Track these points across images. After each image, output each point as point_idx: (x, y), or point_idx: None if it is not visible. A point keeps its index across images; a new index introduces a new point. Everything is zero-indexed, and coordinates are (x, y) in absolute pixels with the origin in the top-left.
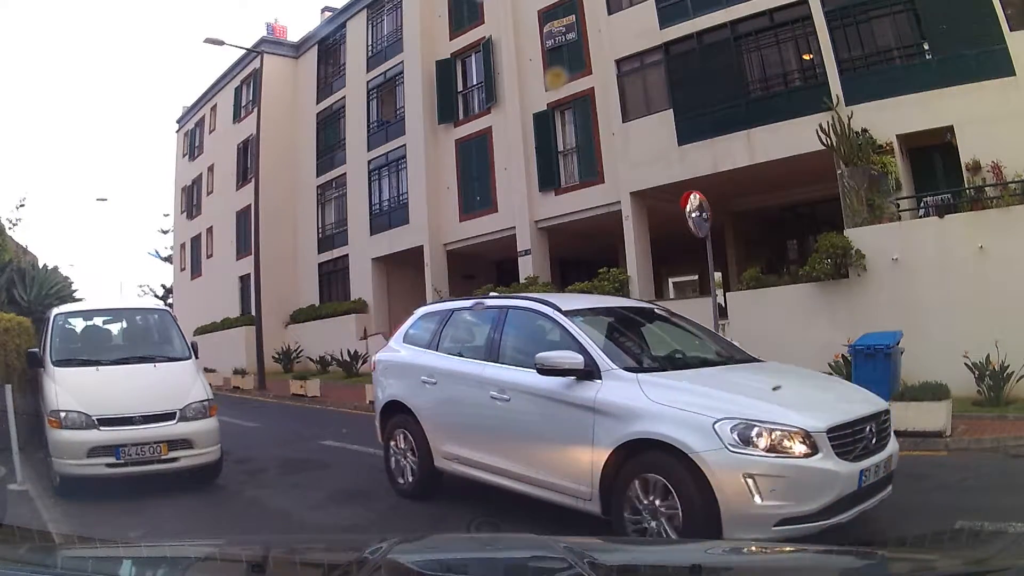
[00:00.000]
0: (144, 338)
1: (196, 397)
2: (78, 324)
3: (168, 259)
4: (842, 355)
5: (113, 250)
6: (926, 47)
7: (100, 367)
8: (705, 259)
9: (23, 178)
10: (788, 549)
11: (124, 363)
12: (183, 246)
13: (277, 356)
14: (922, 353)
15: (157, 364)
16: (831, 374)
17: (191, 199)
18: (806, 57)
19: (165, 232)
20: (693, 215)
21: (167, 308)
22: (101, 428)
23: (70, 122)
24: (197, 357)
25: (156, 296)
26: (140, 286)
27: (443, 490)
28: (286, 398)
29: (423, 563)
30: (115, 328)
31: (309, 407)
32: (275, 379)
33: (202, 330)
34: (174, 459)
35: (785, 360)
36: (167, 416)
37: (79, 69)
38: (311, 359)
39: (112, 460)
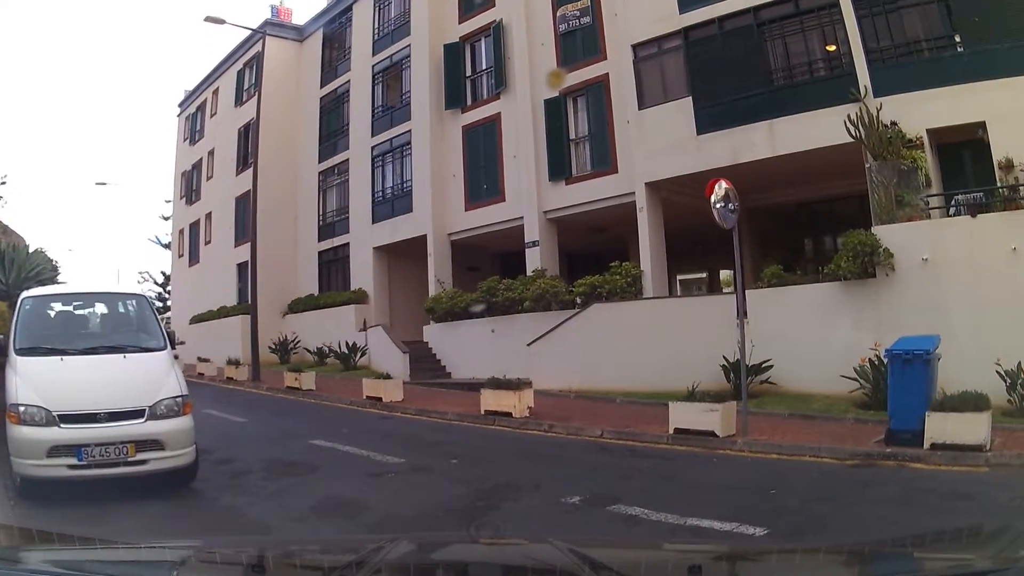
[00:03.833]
0: (116, 326)
1: (169, 393)
2: (46, 309)
3: (169, 246)
4: (868, 359)
5: (115, 236)
6: (957, 39)
7: (65, 357)
8: (714, 257)
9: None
10: (787, 549)
11: (92, 353)
12: (181, 232)
13: (274, 347)
14: (950, 358)
15: (128, 355)
16: (855, 379)
17: (190, 184)
18: (831, 48)
19: (167, 218)
20: (719, 205)
21: (143, 293)
22: (62, 425)
23: (73, 106)
24: (173, 347)
25: (156, 283)
26: (140, 272)
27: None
28: (280, 391)
29: (423, 563)
30: (86, 314)
31: (303, 401)
32: (271, 370)
33: (198, 318)
34: (142, 461)
35: (803, 362)
36: (135, 413)
37: (81, 53)
38: (308, 350)
39: (74, 461)
